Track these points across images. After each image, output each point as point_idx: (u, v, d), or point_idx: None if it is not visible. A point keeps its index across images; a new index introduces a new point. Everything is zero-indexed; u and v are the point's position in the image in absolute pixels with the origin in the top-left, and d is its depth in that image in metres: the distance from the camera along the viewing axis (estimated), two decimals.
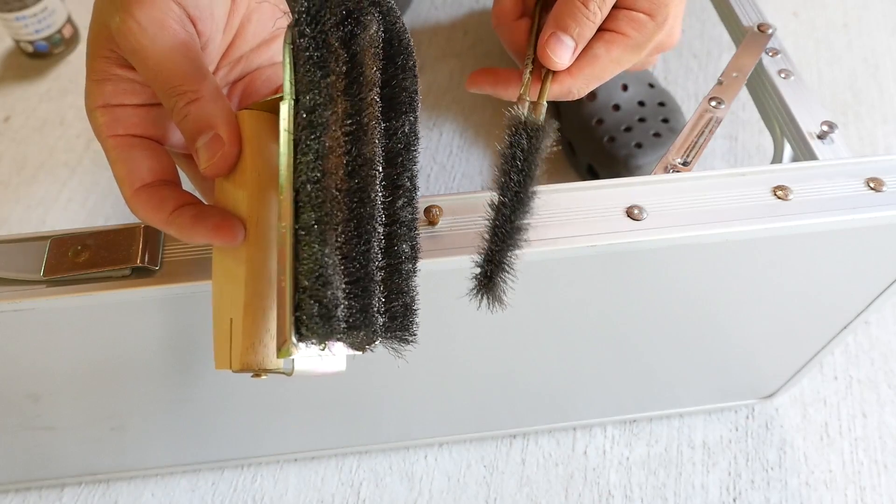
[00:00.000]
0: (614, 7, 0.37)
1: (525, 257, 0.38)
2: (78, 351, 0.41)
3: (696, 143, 0.46)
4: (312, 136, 0.28)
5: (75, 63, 0.88)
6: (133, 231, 0.37)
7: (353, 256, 0.29)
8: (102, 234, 0.37)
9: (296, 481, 0.59)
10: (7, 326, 0.38)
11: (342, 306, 0.28)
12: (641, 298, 0.45)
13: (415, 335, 0.32)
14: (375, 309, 0.30)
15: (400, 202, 0.32)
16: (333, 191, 0.28)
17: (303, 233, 0.27)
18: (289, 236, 0.28)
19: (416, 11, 0.92)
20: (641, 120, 0.72)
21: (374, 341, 0.30)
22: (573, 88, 0.37)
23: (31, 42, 0.84)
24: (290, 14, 0.29)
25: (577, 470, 0.60)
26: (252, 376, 0.30)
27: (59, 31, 0.85)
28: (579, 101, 0.74)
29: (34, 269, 0.36)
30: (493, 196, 0.33)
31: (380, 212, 0.31)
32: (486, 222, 0.33)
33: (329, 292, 0.27)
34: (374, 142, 0.30)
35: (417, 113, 0.33)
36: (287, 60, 0.29)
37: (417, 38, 0.89)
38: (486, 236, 0.32)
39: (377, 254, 0.30)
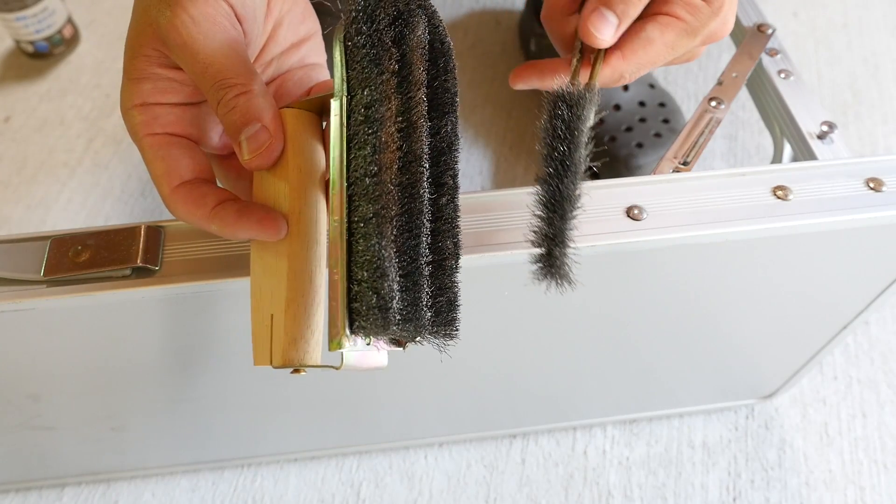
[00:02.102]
0: None
1: (525, 258, 0.38)
2: (78, 351, 0.41)
3: (696, 143, 0.46)
4: (370, 131, 0.29)
5: (75, 63, 0.88)
6: (133, 231, 0.37)
7: (405, 250, 0.30)
8: (102, 234, 0.37)
9: (296, 481, 0.59)
10: (7, 326, 0.38)
11: (397, 298, 0.28)
12: (641, 298, 0.45)
13: (457, 330, 0.32)
14: (424, 303, 0.30)
15: (444, 199, 0.32)
16: (389, 185, 0.29)
17: (361, 225, 0.28)
18: (342, 229, 0.28)
19: None
20: (642, 120, 0.72)
21: (421, 336, 0.30)
22: (625, 73, 0.37)
23: (31, 42, 0.84)
24: (341, 14, 0.30)
25: (577, 470, 0.60)
26: (291, 372, 0.30)
27: (60, 32, 0.85)
28: None
29: (34, 269, 0.36)
30: (540, 170, 0.32)
31: (427, 208, 0.31)
32: (536, 197, 0.32)
33: (387, 284, 0.28)
34: (423, 139, 0.31)
35: (456, 116, 0.33)
36: (339, 58, 0.30)
37: None
38: (540, 213, 0.32)
39: (425, 249, 0.31)
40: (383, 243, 0.28)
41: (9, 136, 0.81)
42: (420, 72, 0.31)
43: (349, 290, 0.28)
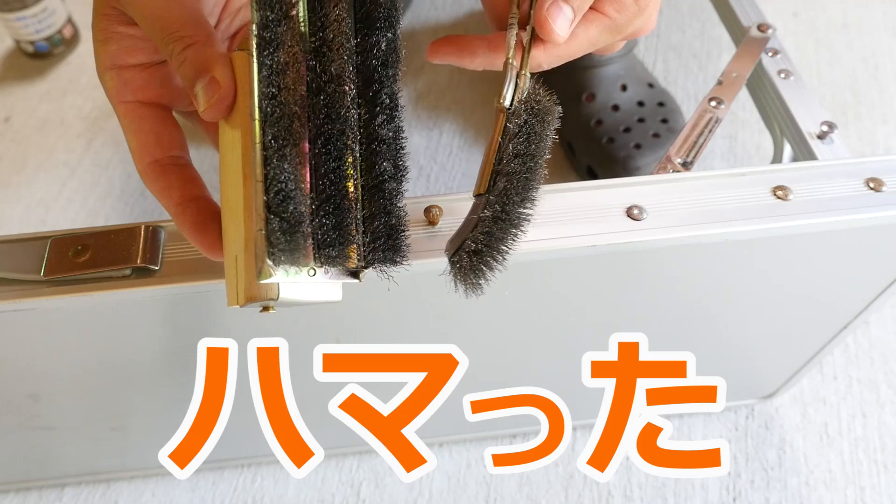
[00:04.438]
0: None
1: (526, 257, 0.38)
2: (78, 351, 0.41)
3: (696, 143, 0.46)
4: (266, 52, 0.28)
5: (75, 63, 0.88)
6: (133, 231, 0.37)
7: (323, 173, 0.29)
8: (102, 234, 0.37)
9: (296, 481, 0.59)
10: (7, 326, 0.38)
11: (306, 222, 0.28)
12: (641, 298, 0.45)
13: (404, 256, 0.31)
14: (352, 226, 0.30)
15: (379, 119, 0.31)
16: (292, 106, 0.29)
17: (264, 151, 0.28)
18: (259, 158, 0.28)
19: (416, 11, 0.92)
20: (640, 120, 0.72)
21: (360, 262, 0.30)
22: (543, 63, 0.36)
23: (31, 42, 0.84)
24: None
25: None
26: (261, 311, 0.30)
27: (60, 32, 0.85)
28: (579, 101, 0.74)
29: (34, 269, 0.36)
30: (501, 183, 0.32)
31: (353, 129, 0.30)
32: (492, 208, 0.32)
33: (291, 206, 0.27)
34: (343, 58, 0.30)
35: (397, 31, 0.32)
36: None
37: (417, 38, 0.89)
38: (487, 229, 0.32)
39: (352, 172, 0.30)
40: (285, 166, 0.28)
41: (9, 136, 0.81)
42: None
43: (265, 217, 0.28)
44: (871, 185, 0.40)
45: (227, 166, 0.31)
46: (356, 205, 0.30)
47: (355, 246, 0.30)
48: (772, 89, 0.51)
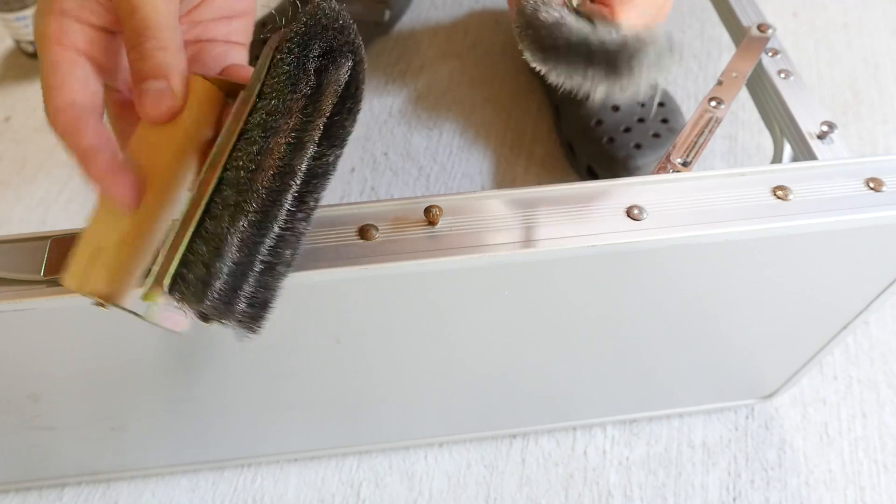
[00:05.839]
0: None
1: (525, 257, 0.38)
2: (78, 351, 0.41)
3: (696, 143, 0.46)
4: (263, 134, 0.32)
5: None
6: None
7: (247, 244, 0.32)
8: None
9: (296, 481, 0.59)
10: (7, 326, 0.38)
11: (222, 280, 0.31)
12: (641, 298, 0.45)
13: (260, 328, 0.34)
14: (243, 293, 0.32)
15: (300, 215, 0.34)
16: (258, 184, 0.32)
17: (219, 206, 0.31)
18: (202, 203, 0.31)
19: (416, 11, 0.92)
20: (641, 120, 0.72)
21: (227, 320, 0.32)
22: None
23: (31, 42, 0.84)
24: (284, 27, 0.33)
25: (577, 470, 0.60)
26: (94, 303, 0.32)
27: None
28: (579, 101, 0.74)
29: (34, 269, 0.36)
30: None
31: (283, 216, 0.33)
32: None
33: (219, 264, 0.30)
34: (304, 160, 0.33)
35: (342, 151, 0.36)
36: (264, 62, 0.33)
37: (417, 38, 0.89)
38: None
39: (265, 249, 0.33)
40: (232, 230, 0.31)
41: (9, 136, 0.81)
42: (327, 104, 0.34)
43: (184, 256, 0.31)
44: (871, 185, 0.40)
45: (139, 163, 0.33)
46: (254, 276, 0.33)
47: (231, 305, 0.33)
48: (772, 89, 0.51)
